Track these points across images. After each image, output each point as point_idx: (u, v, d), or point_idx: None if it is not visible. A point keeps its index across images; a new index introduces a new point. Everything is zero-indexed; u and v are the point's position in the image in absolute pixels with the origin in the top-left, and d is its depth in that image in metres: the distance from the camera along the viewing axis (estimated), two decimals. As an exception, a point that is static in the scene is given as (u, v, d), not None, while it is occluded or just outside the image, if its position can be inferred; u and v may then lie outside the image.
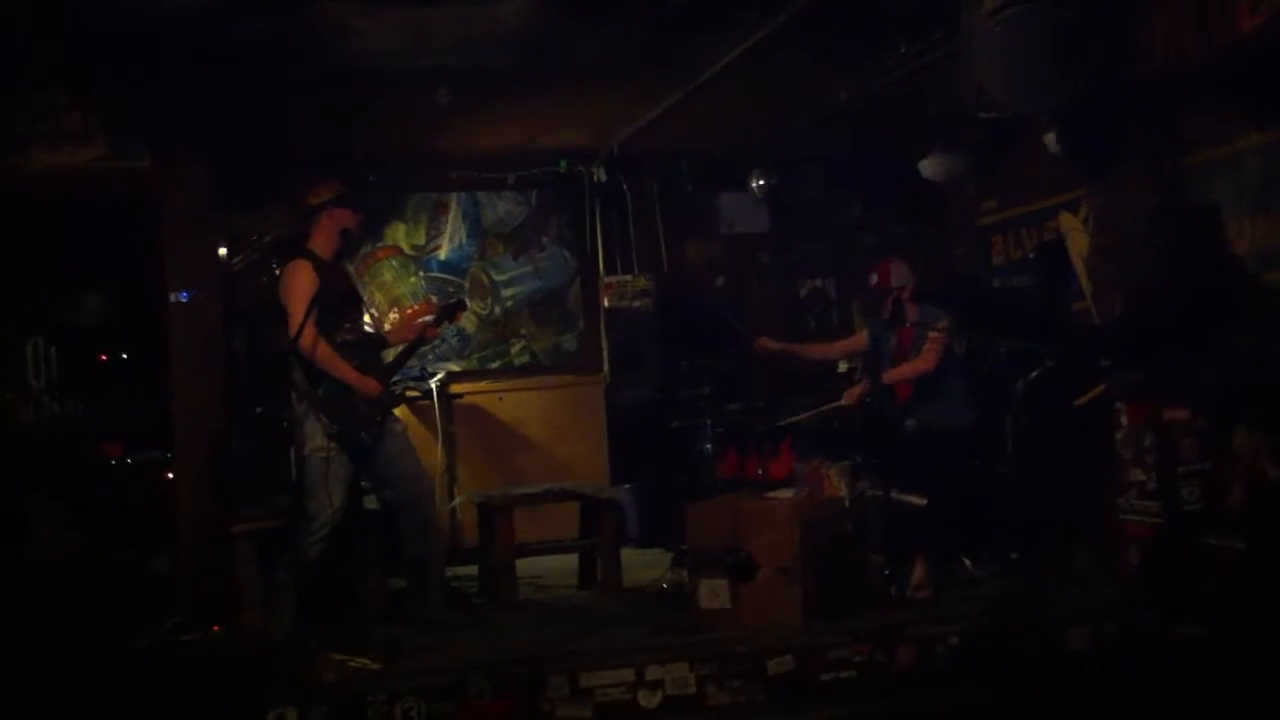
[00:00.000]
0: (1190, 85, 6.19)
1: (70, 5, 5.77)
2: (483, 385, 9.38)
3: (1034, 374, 6.89)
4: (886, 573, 6.17)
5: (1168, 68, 6.15)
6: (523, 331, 9.58)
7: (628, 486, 9.00)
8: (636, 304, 9.68)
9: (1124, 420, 6.27)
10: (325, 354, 5.85)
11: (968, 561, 6.68)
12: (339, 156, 8.22)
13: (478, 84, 7.18)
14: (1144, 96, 6.35)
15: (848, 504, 6.09)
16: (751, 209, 9.70)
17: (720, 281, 10.00)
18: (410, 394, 8.47)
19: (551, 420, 9.47)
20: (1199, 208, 6.46)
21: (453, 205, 9.45)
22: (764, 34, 6.43)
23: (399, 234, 9.33)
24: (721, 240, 9.92)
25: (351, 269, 8.86)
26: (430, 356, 9.11)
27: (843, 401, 6.90)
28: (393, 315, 9.07)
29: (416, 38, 6.45)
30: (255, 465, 6.61)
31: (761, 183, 9.28)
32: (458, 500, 8.74)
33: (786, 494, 6.32)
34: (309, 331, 5.71)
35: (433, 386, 8.86)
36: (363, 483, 6.23)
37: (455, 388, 9.14)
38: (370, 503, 6.37)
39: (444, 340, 9.16)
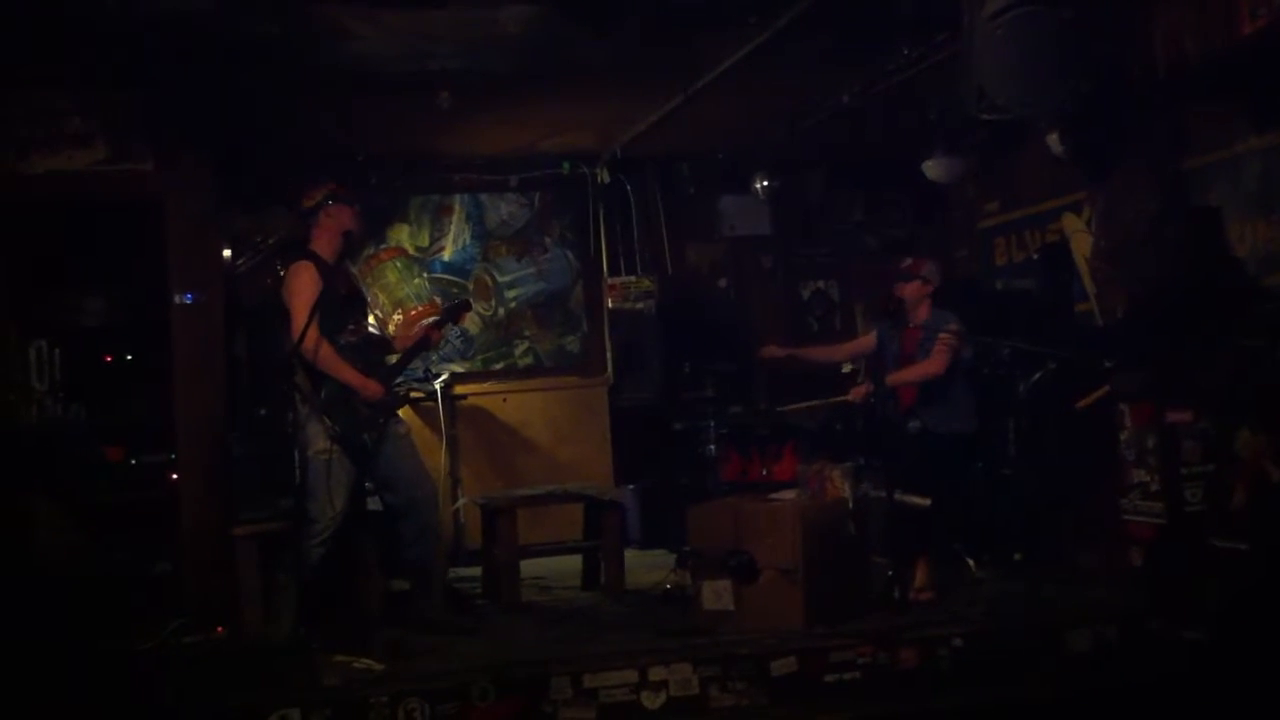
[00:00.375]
0: (1191, 88, 6.20)
1: (70, 6, 5.77)
2: (486, 387, 9.39)
3: (1037, 375, 6.89)
4: (889, 574, 6.16)
5: (1169, 70, 6.16)
6: (526, 333, 9.59)
7: (631, 488, 9.02)
8: (639, 306, 9.68)
9: (1127, 422, 6.27)
10: (328, 356, 5.85)
11: (971, 563, 6.67)
12: (342, 158, 8.24)
13: (480, 87, 7.18)
14: (1145, 99, 6.35)
15: (850, 506, 6.09)
16: (754, 211, 9.69)
17: (723, 283, 10.01)
18: (414, 395, 8.49)
19: (555, 421, 9.47)
20: (1200, 210, 6.47)
21: (456, 207, 9.45)
22: (766, 36, 6.43)
23: (403, 235, 9.34)
24: (724, 242, 9.93)
25: (355, 270, 8.87)
26: (434, 358, 9.11)
27: (849, 396, 6.87)
28: (397, 317, 9.08)
29: (418, 42, 6.45)
30: (258, 468, 6.60)
31: (764, 184, 9.27)
32: (461, 502, 8.75)
33: (789, 496, 6.33)
34: (311, 333, 5.72)
35: (437, 388, 8.87)
36: (366, 484, 6.23)
37: (459, 389, 9.15)
38: (373, 504, 6.37)
39: (448, 342, 9.17)
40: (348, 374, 5.91)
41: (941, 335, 6.45)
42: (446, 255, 9.42)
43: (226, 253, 7.85)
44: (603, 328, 9.71)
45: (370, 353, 6.20)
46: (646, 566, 7.64)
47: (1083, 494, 6.68)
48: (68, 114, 6.83)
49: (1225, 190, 6.39)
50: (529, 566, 7.31)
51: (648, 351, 9.63)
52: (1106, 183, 6.56)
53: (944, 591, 6.27)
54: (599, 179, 9.57)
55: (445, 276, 9.39)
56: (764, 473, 7.52)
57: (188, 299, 7.00)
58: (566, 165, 9.46)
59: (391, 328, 8.84)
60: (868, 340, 7.14)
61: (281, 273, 6.33)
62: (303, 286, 5.87)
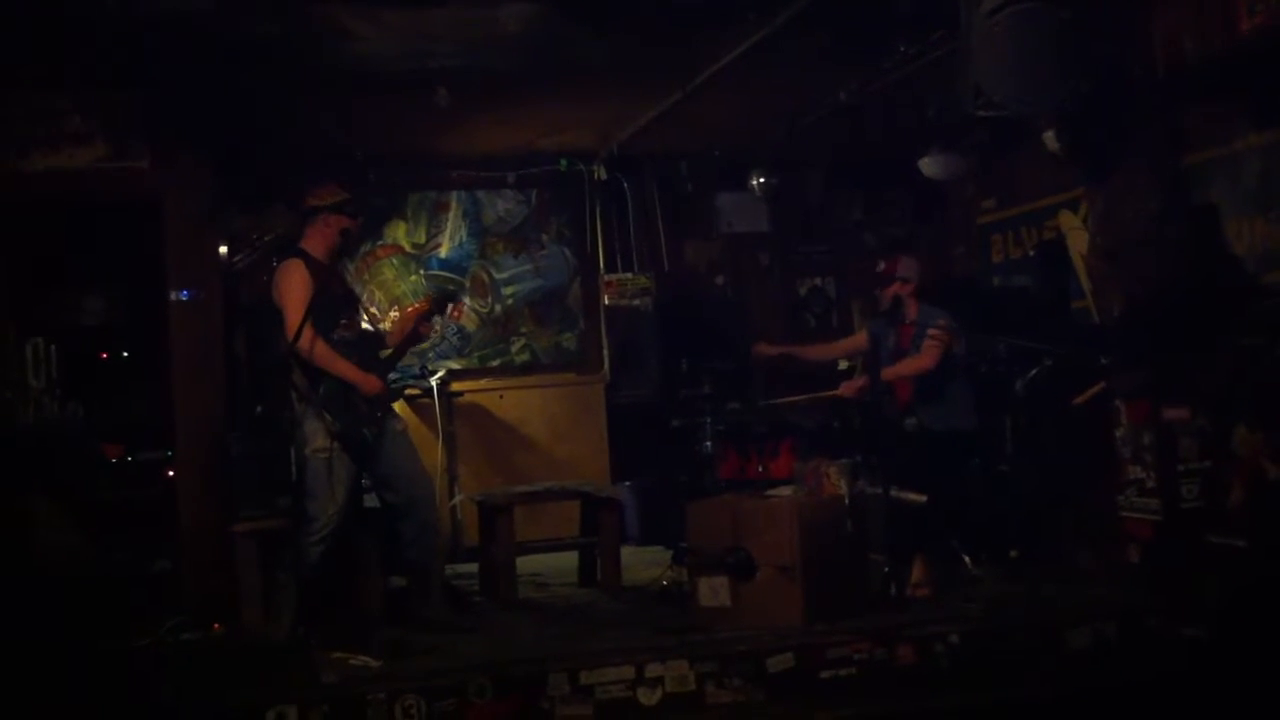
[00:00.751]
0: (1189, 85, 6.20)
1: (70, 6, 5.77)
2: (483, 384, 9.39)
3: (1033, 372, 6.89)
4: (886, 571, 6.16)
5: (1167, 68, 6.16)
6: (523, 330, 9.59)
7: (628, 485, 9.02)
8: (637, 303, 9.69)
9: (1124, 419, 6.27)
10: (323, 352, 5.85)
11: (967, 560, 6.67)
12: (341, 157, 8.23)
13: (478, 86, 7.18)
14: (1143, 96, 6.35)
15: (848, 503, 6.10)
16: (751, 208, 9.71)
17: (720, 281, 10.02)
18: (410, 392, 8.49)
19: (552, 419, 9.47)
20: (1199, 208, 6.47)
21: (453, 204, 9.46)
22: (763, 34, 6.44)
23: (400, 233, 9.34)
24: (721, 239, 9.93)
25: (351, 268, 8.89)
26: (431, 355, 9.13)
27: (839, 391, 6.88)
28: (393, 314, 9.08)
29: (418, 40, 6.45)
30: (256, 466, 6.59)
31: (761, 182, 9.27)
32: (458, 499, 8.75)
33: (786, 493, 6.33)
34: (306, 331, 5.72)
35: (433, 385, 8.86)
36: (363, 482, 6.23)
37: (456, 386, 9.14)
38: (370, 501, 6.37)
39: (444, 338, 9.18)
40: (345, 369, 5.91)
41: (931, 330, 6.48)
42: (443, 252, 9.42)
43: (223, 250, 7.84)
44: (600, 325, 9.72)
45: (366, 348, 6.19)
46: (643, 563, 7.64)
47: (1080, 491, 6.68)
48: (67, 113, 6.83)
49: (1224, 187, 6.39)
50: (526, 563, 7.32)
51: (645, 349, 9.64)
52: (1106, 182, 6.56)
53: (941, 588, 6.27)
54: (596, 176, 9.58)
55: (442, 273, 9.39)
56: (761, 470, 7.51)
57: (185, 297, 7.00)
58: (564, 163, 9.47)
59: (387, 324, 8.84)
60: (860, 339, 7.16)
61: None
62: (293, 286, 5.87)
